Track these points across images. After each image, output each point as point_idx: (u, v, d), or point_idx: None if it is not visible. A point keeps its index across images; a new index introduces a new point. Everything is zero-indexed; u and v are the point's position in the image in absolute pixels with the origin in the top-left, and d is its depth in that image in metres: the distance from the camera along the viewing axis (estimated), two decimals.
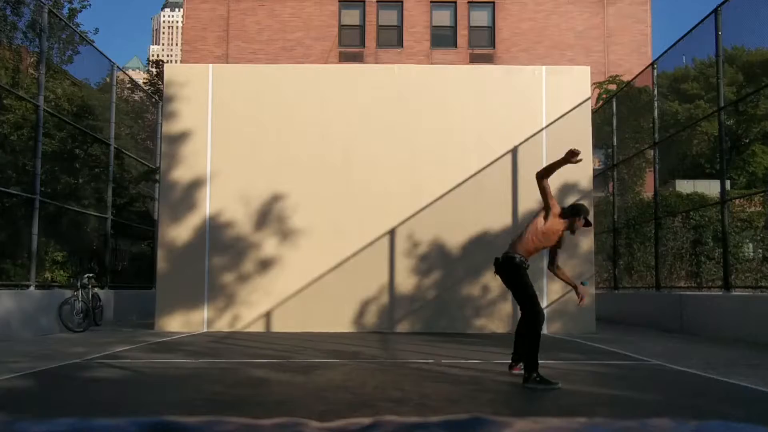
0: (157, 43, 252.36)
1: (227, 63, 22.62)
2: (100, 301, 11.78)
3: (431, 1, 25.16)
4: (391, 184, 11.57)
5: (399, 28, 25.10)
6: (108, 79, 13.90)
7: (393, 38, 25.08)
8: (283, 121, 11.71)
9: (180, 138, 11.68)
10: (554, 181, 11.44)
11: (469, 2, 25.12)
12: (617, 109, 15.57)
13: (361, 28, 25.09)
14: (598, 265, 14.20)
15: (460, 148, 11.68)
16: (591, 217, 5.80)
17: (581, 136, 11.75)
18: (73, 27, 15.26)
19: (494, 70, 13.15)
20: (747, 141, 30.74)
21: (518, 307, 5.97)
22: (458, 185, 11.62)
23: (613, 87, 20.56)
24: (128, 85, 16.94)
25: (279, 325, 11.28)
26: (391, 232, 11.58)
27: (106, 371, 6.28)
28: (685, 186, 20.62)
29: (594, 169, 13.37)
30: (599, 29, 24.87)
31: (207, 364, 6.95)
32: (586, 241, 11.55)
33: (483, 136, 11.70)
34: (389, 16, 25.18)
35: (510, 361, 6.12)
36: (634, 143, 16.10)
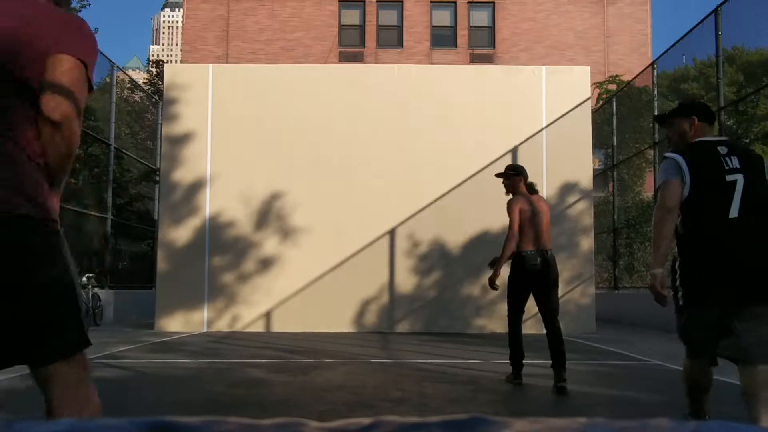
0: (157, 43, 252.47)
1: (227, 63, 22.60)
2: (100, 301, 11.78)
3: (431, 1, 25.14)
4: (391, 184, 11.56)
5: (399, 28, 25.08)
6: (108, 79, 13.91)
7: (393, 38, 25.06)
8: (283, 121, 11.70)
9: (180, 137, 11.68)
10: (555, 181, 11.58)
11: (469, 2, 25.10)
12: (617, 109, 15.56)
13: (361, 28, 25.07)
14: (598, 265, 14.19)
15: (460, 148, 11.67)
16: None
17: (581, 136, 11.76)
18: None
19: (494, 70, 13.16)
20: (747, 141, 30.73)
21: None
22: (458, 185, 11.62)
23: (613, 87, 20.56)
24: (128, 85, 16.94)
25: (279, 325, 11.28)
26: (391, 232, 11.57)
27: (106, 371, 6.29)
28: None
29: (594, 169, 13.36)
30: (599, 29, 24.86)
31: (207, 364, 6.95)
32: (586, 241, 11.55)
33: (483, 136, 11.69)
34: (389, 16, 25.16)
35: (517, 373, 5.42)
36: (634, 143, 16.10)
